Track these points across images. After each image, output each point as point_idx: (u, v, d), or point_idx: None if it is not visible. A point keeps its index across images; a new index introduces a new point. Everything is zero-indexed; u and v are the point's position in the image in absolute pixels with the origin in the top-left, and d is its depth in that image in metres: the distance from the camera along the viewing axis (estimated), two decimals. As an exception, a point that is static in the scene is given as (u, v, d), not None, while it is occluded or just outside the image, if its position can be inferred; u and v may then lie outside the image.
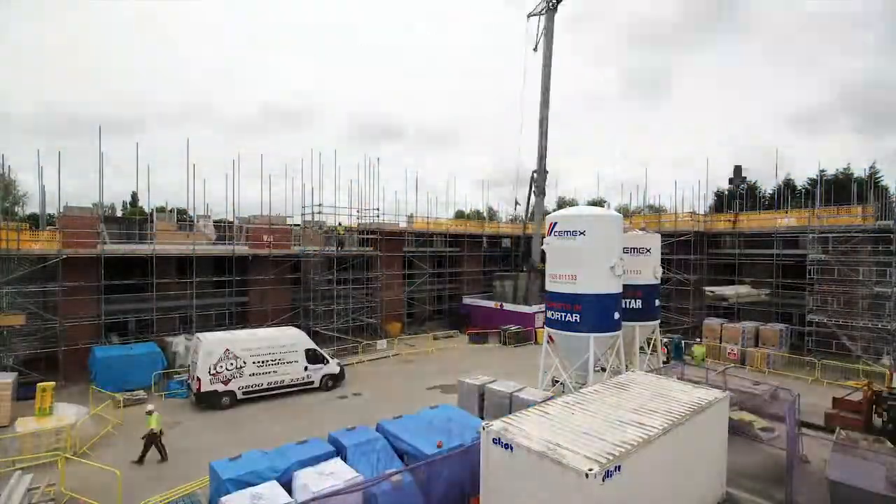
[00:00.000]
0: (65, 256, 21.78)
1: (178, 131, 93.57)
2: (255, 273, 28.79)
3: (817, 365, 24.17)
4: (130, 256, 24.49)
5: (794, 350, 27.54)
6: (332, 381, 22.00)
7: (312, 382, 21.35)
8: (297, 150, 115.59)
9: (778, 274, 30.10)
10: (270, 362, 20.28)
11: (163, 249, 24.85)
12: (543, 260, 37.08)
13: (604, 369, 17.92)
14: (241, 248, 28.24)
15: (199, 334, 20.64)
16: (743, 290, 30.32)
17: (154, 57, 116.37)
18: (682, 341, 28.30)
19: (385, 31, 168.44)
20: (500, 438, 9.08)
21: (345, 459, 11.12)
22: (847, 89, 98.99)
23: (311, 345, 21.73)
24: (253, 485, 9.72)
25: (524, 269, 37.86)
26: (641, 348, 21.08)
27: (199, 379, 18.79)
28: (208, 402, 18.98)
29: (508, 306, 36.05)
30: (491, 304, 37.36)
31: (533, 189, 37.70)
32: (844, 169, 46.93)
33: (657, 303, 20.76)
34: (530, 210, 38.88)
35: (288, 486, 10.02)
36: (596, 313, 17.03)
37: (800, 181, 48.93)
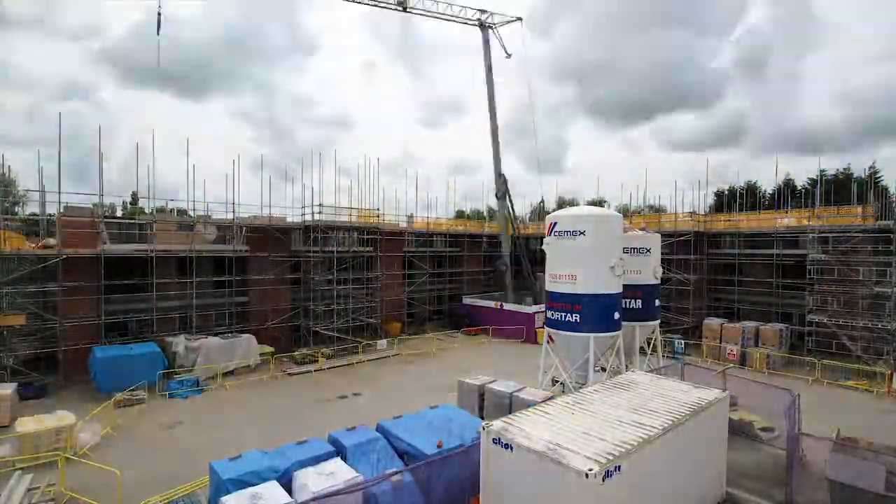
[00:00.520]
0: (65, 256, 21.78)
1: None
2: (255, 273, 28.79)
3: (817, 365, 24.17)
4: (130, 256, 24.49)
5: (794, 350, 27.54)
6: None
7: None
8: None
9: (778, 274, 30.11)
10: None
11: (163, 249, 24.87)
12: (516, 263, 38.19)
13: (604, 369, 17.91)
14: (241, 248, 28.28)
15: None
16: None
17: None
18: (683, 341, 28.37)
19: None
20: (500, 438, 9.08)
21: (345, 459, 11.11)
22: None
23: None
24: (253, 485, 9.71)
25: (500, 267, 39.03)
26: (641, 348, 21.07)
27: None
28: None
29: (508, 306, 36.08)
30: (491, 303, 37.38)
31: (496, 192, 38.45)
32: (845, 169, 46.99)
33: (657, 303, 20.75)
34: (504, 211, 39.10)
35: (288, 486, 10.02)
36: (596, 313, 17.03)
37: (800, 181, 48.99)
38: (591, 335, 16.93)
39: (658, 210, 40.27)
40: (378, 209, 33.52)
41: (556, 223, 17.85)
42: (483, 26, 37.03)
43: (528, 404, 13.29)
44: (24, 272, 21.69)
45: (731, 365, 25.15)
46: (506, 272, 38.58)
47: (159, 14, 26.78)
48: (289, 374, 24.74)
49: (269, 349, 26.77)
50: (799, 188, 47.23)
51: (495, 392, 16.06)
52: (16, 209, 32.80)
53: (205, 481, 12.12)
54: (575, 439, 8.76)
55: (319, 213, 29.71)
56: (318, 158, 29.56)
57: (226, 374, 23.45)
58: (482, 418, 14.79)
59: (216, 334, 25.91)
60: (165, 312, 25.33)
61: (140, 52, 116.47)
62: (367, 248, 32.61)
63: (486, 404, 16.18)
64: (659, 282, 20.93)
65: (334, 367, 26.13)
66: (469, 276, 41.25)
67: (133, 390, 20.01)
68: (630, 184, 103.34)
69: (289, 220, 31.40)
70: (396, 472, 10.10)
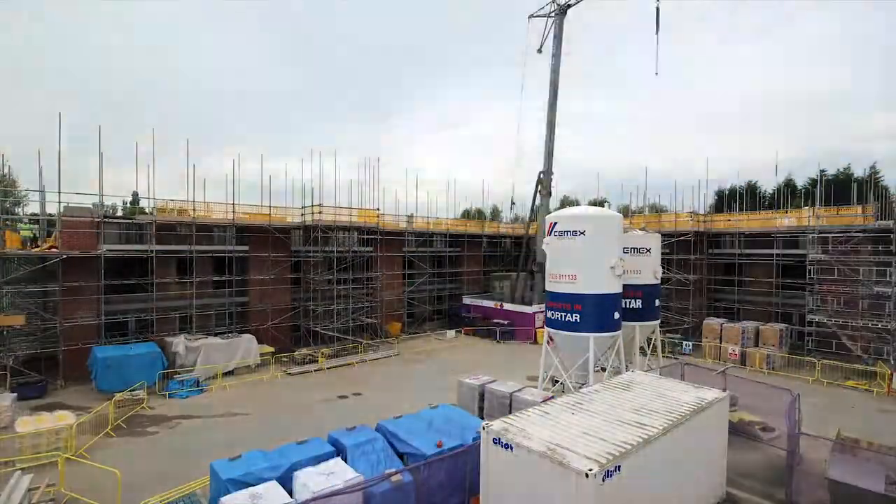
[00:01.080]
0: (65, 256, 21.79)
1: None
2: (255, 273, 28.81)
3: (817, 365, 24.18)
4: (130, 256, 24.51)
5: (794, 350, 27.55)
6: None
7: None
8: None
9: (778, 274, 30.12)
10: None
11: (162, 249, 24.90)
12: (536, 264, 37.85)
13: (604, 369, 17.92)
14: (242, 248, 28.30)
15: None
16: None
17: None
18: (690, 343, 28.55)
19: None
20: (500, 438, 9.08)
21: (345, 459, 11.12)
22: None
23: None
24: (253, 485, 9.72)
25: (533, 269, 37.87)
26: (641, 348, 21.08)
27: None
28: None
29: (508, 306, 36.08)
30: (491, 303, 37.38)
31: (539, 189, 37.80)
32: (844, 169, 46.96)
33: (657, 303, 20.76)
34: (536, 209, 38.93)
35: (288, 486, 10.02)
36: (596, 313, 17.03)
37: (800, 181, 48.98)
38: (591, 335, 16.93)
39: (658, 210, 40.26)
40: (378, 209, 33.52)
41: (556, 223, 17.86)
42: (562, 12, 36.15)
43: (528, 404, 13.29)
44: (24, 272, 21.72)
45: (732, 365, 25.16)
46: (540, 280, 37.82)
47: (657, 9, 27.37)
48: (289, 374, 24.75)
49: (269, 349, 26.80)
50: (799, 188, 47.23)
51: (495, 392, 16.06)
52: (16, 209, 32.78)
53: (205, 481, 12.13)
54: (575, 439, 8.76)
55: (319, 212, 29.73)
56: (319, 157, 29.72)
57: (226, 374, 23.47)
58: (482, 418, 14.79)
59: (216, 334, 25.94)
60: (165, 312, 25.36)
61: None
62: (368, 248, 32.63)
63: (486, 404, 16.18)
64: (659, 282, 20.94)
65: (334, 367, 26.14)
66: (469, 276, 41.27)
67: (133, 390, 20.02)
68: (630, 184, 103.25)
69: (289, 219, 31.40)
70: (396, 472, 10.10)
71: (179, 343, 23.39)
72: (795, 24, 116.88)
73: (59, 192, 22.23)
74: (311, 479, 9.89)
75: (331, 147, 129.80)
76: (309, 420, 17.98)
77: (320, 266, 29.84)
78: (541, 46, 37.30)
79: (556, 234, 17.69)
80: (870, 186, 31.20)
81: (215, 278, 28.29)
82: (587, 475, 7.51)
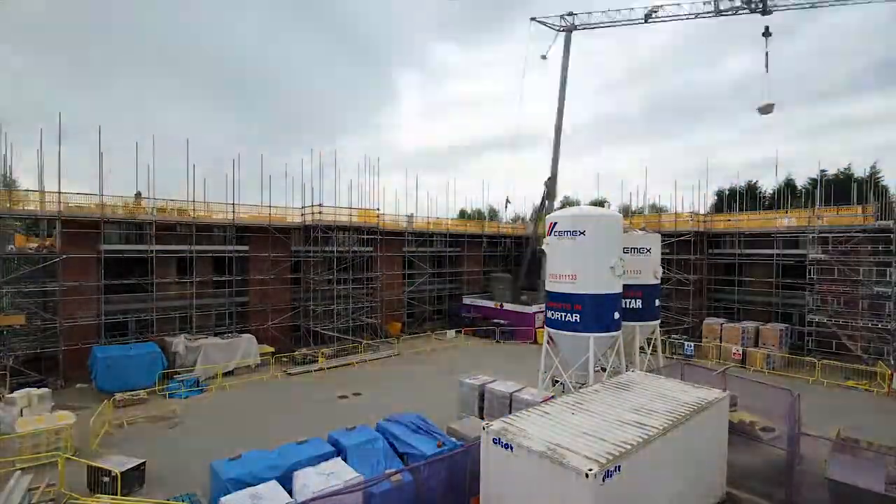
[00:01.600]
0: (65, 256, 21.79)
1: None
2: (255, 273, 28.81)
3: (817, 365, 24.19)
4: (130, 256, 24.52)
5: (794, 350, 27.55)
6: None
7: None
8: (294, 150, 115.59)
9: (778, 274, 30.12)
10: None
11: (162, 249, 24.91)
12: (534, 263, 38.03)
13: (604, 369, 17.91)
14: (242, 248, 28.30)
15: None
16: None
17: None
18: (693, 343, 28.57)
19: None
20: (500, 438, 9.08)
21: (345, 459, 11.12)
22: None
23: None
24: (253, 485, 9.72)
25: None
26: (641, 348, 21.07)
27: None
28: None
29: (508, 306, 36.07)
30: (491, 303, 37.37)
31: (545, 193, 38.06)
32: (844, 169, 46.95)
33: (657, 303, 20.75)
34: (544, 212, 39.06)
35: (288, 486, 10.02)
36: (596, 313, 17.01)
37: (800, 181, 48.97)
38: (591, 335, 16.92)
39: (658, 210, 40.26)
40: (378, 209, 33.51)
41: (556, 223, 17.85)
42: (571, 29, 36.50)
43: (528, 404, 13.29)
44: (24, 272, 21.71)
45: (731, 365, 25.15)
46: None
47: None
48: (289, 374, 24.75)
49: (269, 349, 26.79)
50: (799, 188, 47.22)
51: (495, 392, 16.06)
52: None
53: (204, 481, 12.11)
54: (575, 439, 8.76)
55: (319, 212, 29.73)
56: (319, 157, 29.76)
57: (226, 374, 23.45)
58: (482, 418, 14.79)
59: (216, 334, 25.93)
60: (165, 312, 25.36)
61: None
62: (368, 248, 32.62)
63: (486, 404, 16.18)
64: (659, 282, 20.93)
65: (334, 367, 26.13)
66: (469, 276, 41.26)
67: (133, 390, 20.02)
68: (630, 183, 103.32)
69: (289, 219, 31.40)
70: (396, 472, 10.10)
71: (179, 343, 23.40)
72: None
73: (59, 192, 22.26)
74: (310, 480, 9.90)
75: (331, 148, 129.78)
76: (309, 420, 17.97)
77: (320, 266, 29.84)
78: (546, 53, 37.97)
79: (556, 234, 17.68)
80: (870, 186, 31.21)
81: (215, 278, 28.30)
82: (587, 475, 7.50)
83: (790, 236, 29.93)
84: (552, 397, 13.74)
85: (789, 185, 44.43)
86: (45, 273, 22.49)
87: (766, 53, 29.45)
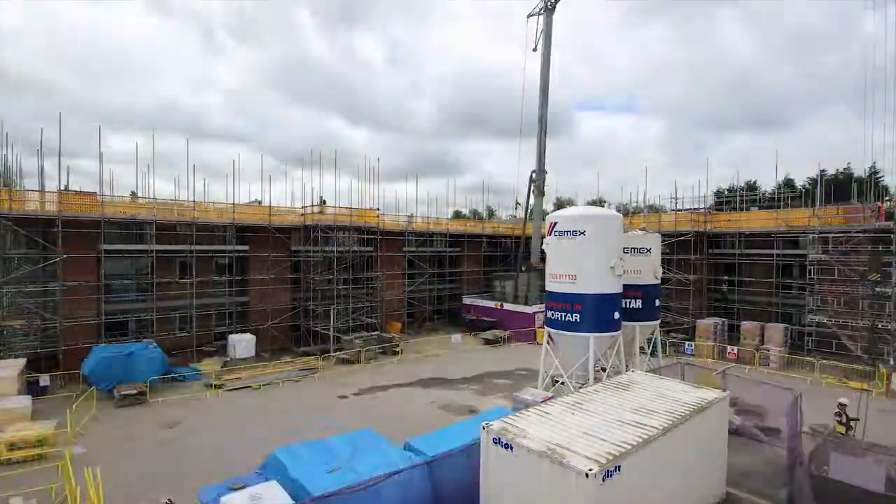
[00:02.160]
0: (65, 256, 21.78)
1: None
2: (255, 273, 28.80)
3: (817, 365, 24.17)
4: (130, 256, 24.52)
5: (794, 350, 27.54)
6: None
7: None
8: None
9: (778, 274, 30.11)
10: None
11: (162, 249, 24.91)
12: (544, 259, 37.63)
13: (604, 369, 17.91)
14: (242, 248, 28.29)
15: None
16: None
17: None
18: (693, 343, 28.64)
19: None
20: (500, 438, 9.08)
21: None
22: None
23: None
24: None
25: (522, 269, 37.91)
26: (641, 348, 21.06)
27: None
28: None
29: (508, 306, 36.06)
30: (491, 303, 37.36)
31: (532, 189, 37.75)
32: (844, 169, 46.94)
33: (657, 303, 20.75)
34: (529, 210, 38.95)
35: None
36: (596, 313, 17.02)
37: (799, 181, 48.93)
38: (591, 335, 16.92)
39: (658, 210, 40.20)
40: (378, 209, 33.51)
41: (556, 223, 17.85)
42: (548, 10, 36.33)
43: (528, 404, 13.27)
44: (24, 272, 21.71)
45: (732, 365, 25.14)
46: (536, 279, 37.85)
47: None
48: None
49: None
50: (799, 188, 47.17)
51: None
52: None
53: (207, 481, 12.06)
54: (575, 439, 8.76)
55: (319, 212, 29.72)
56: (319, 157, 29.79)
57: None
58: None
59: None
60: (165, 312, 25.34)
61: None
62: (368, 248, 32.61)
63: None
64: (659, 282, 20.93)
65: (334, 367, 26.09)
66: (469, 275, 41.25)
67: (133, 391, 20.00)
68: (630, 183, 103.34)
69: (289, 219, 31.41)
70: (396, 473, 10.06)
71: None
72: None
73: (59, 192, 22.26)
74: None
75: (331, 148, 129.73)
76: (318, 419, 17.95)
77: (320, 266, 29.83)
78: (535, 45, 37.49)
79: (556, 234, 17.68)
80: (870, 186, 31.19)
81: (215, 278, 28.30)
82: (587, 475, 7.51)
83: (790, 236, 29.93)
84: (552, 397, 13.74)
85: (789, 184, 44.38)
86: (46, 273, 22.50)
87: None
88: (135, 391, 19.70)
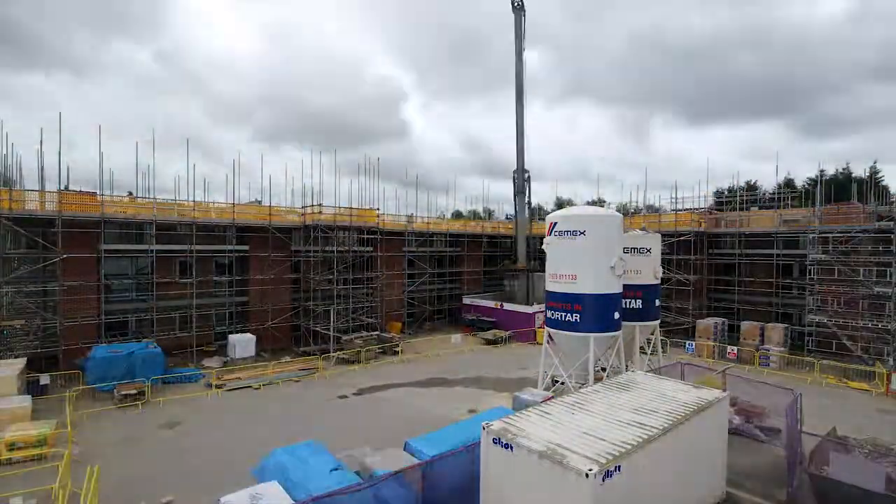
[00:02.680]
0: (65, 256, 21.78)
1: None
2: (255, 273, 28.80)
3: (817, 365, 24.18)
4: (130, 256, 24.52)
5: (794, 350, 27.55)
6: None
7: None
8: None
9: (778, 274, 30.11)
10: None
11: (162, 249, 24.91)
12: (531, 258, 37.96)
13: (604, 369, 17.92)
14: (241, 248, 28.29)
15: None
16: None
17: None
18: (694, 343, 28.67)
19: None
20: (500, 438, 9.06)
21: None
22: None
23: None
24: None
25: (510, 270, 38.27)
26: (641, 348, 21.08)
27: None
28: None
29: (508, 306, 36.04)
30: (491, 303, 37.36)
31: (514, 187, 37.89)
32: (844, 169, 46.98)
33: (657, 303, 20.76)
34: (517, 209, 38.98)
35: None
36: (596, 313, 17.03)
37: (800, 180, 48.99)
38: (591, 335, 16.93)
39: (658, 210, 40.21)
40: (378, 209, 33.51)
41: (556, 223, 17.86)
42: (516, 8, 36.37)
43: (528, 404, 13.27)
44: (24, 272, 21.71)
45: (731, 365, 25.15)
46: (518, 276, 38.22)
47: None
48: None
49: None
50: (799, 187, 47.21)
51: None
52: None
53: (219, 482, 12.07)
54: (575, 439, 8.75)
55: (320, 212, 29.72)
56: (319, 157, 29.98)
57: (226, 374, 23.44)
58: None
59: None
60: (165, 312, 25.34)
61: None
62: (368, 248, 32.61)
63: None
64: (659, 282, 20.94)
65: (334, 367, 26.10)
66: (469, 275, 41.25)
67: (133, 391, 20.00)
68: (630, 183, 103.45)
69: (289, 219, 31.40)
70: (394, 474, 10.06)
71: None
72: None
73: (59, 192, 22.25)
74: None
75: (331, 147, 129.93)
76: (318, 421, 17.95)
77: (320, 266, 29.83)
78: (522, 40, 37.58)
79: (557, 233, 17.69)
80: (870, 186, 31.21)
81: (215, 278, 28.30)
82: (587, 475, 7.50)
83: (790, 236, 29.93)
84: (552, 397, 13.74)
85: (789, 184, 44.41)
86: (46, 273, 22.49)
87: None
88: (135, 391, 19.66)
